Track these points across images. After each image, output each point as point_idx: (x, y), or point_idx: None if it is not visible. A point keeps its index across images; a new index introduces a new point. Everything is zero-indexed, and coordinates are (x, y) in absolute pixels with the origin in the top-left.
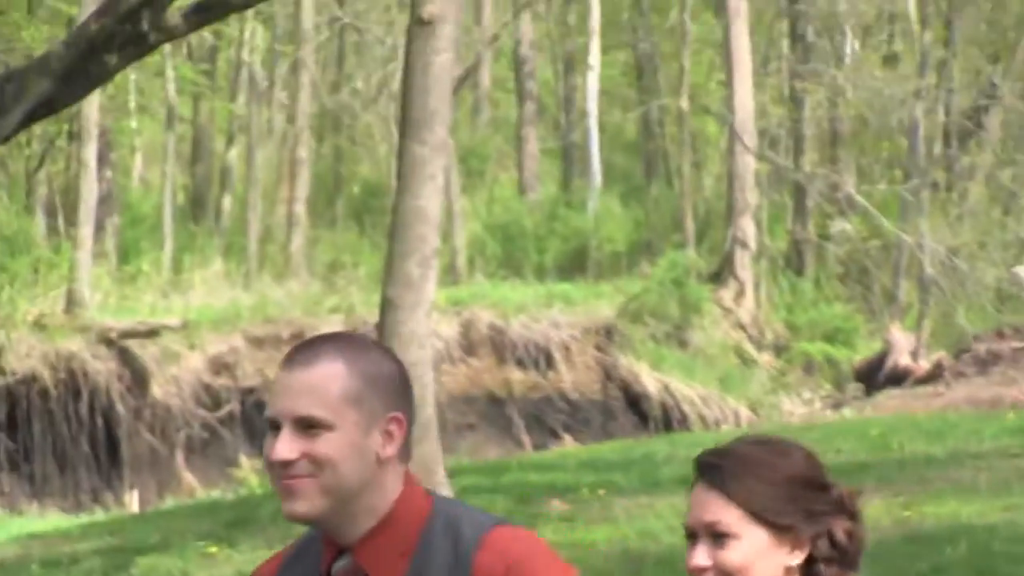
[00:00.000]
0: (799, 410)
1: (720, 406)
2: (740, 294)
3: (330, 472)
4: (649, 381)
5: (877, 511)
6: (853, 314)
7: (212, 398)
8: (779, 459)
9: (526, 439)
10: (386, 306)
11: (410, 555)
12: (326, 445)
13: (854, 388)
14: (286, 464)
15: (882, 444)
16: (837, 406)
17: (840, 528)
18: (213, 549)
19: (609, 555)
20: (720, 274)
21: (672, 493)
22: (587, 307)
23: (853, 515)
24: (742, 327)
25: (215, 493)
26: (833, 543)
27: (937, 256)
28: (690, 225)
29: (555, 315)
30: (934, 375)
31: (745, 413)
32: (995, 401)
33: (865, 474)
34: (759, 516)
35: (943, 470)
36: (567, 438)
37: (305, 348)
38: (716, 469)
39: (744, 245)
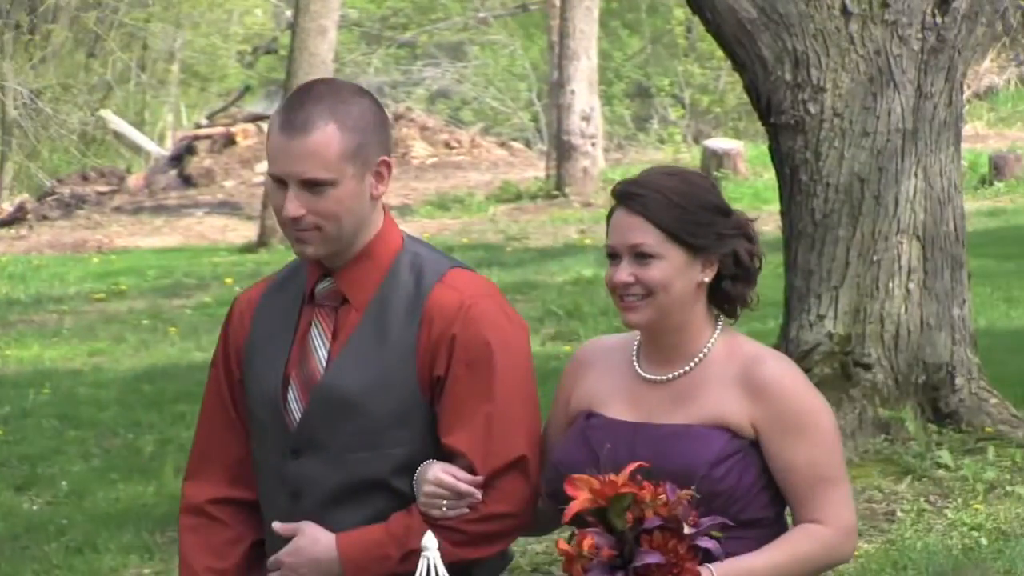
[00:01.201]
0: None
1: None
2: None
3: (334, 222)
4: None
5: None
6: None
7: None
8: (691, 188)
9: None
10: None
11: (379, 283)
12: (330, 200)
13: None
14: (296, 219)
15: None
16: None
17: (743, 248)
18: None
19: None
20: None
21: None
22: None
23: (751, 238)
24: None
25: None
26: (737, 261)
27: (20, 98)
28: None
29: None
30: (17, 218)
31: None
32: (79, 245)
33: None
34: (677, 238)
35: (26, 314)
36: None
37: (299, 110)
38: (638, 197)
39: None
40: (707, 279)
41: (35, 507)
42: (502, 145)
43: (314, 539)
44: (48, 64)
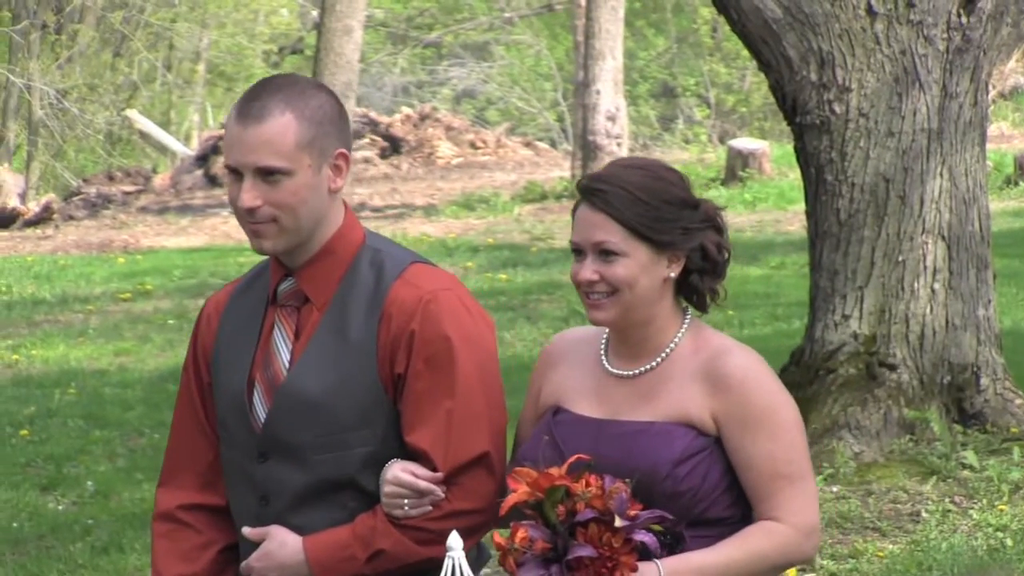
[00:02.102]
0: None
1: None
2: None
3: (290, 213)
4: None
5: None
6: None
7: None
8: (656, 182)
9: None
10: None
11: (340, 280)
12: (286, 191)
13: None
14: (251, 210)
15: None
16: None
17: (710, 241)
18: None
19: None
20: None
21: None
22: None
23: (719, 229)
24: None
25: None
26: (705, 255)
27: (46, 98)
28: None
29: None
30: (43, 218)
31: None
32: (105, 244)
33: None
34: (642, 235)
35: (52, 313)
36: None
37: (254, 102)
38: (601, 193)
39: None
40: (674, 274)
41: (61, 507)
42: (527, 145)
43: (282, 543)
44: (74, 64)
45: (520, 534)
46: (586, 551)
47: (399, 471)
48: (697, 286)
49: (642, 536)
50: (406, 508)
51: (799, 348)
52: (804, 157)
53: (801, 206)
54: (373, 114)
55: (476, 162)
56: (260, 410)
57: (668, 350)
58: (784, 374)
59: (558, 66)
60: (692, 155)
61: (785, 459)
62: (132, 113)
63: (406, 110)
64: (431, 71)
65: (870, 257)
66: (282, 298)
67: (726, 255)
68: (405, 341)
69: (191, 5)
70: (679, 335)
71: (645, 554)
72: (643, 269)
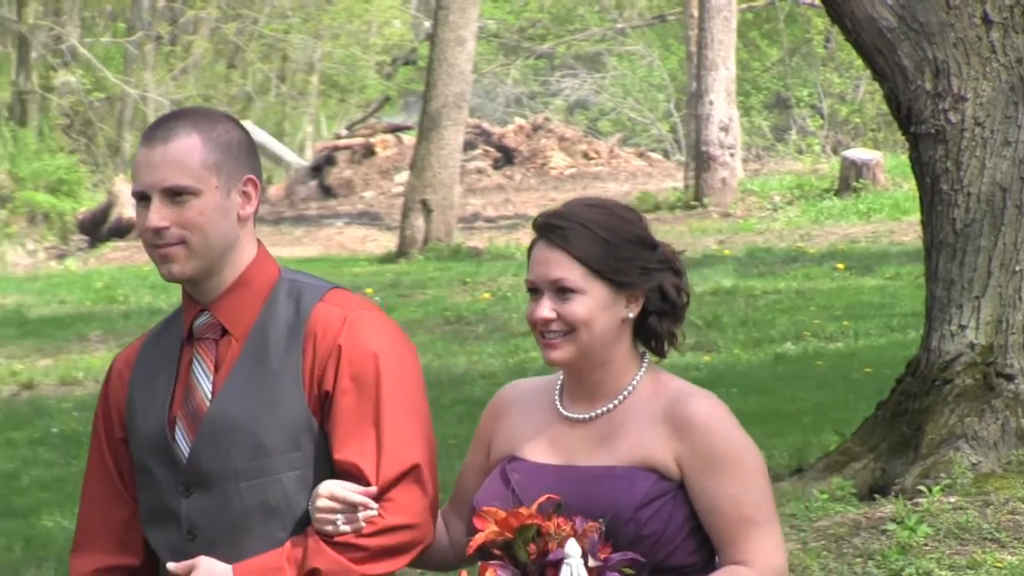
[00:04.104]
0: (23, 261)
1: None
2: None
3: (199, 234)
4: None
5: (102, 361)
6: (77, 166)
7: None
8: (615, 221)
9: None
10: None
11: (259, 310)
12: (193, 211)
13: (79, 240)
14: (158, 231)
15: (107, 295)
16: (61, 257)
17: (669, 283)
18: None
19: None
20: None
21: None
22: None
23: (678, 272)
24: None
25: None
26: (664, 296)
27: (161, 109)
28: None
29: None
30: None
31: None
32: None
33: (91, 324)
34: (600, 273)
35: None
36: None
37: (161, 125)
38: (559, 230)
39: None
40: (632, 315)
41: None
42: (640, 155)
43: (210, 572)
44: (189, 75)
45: (489, 573)
46: None
47: (332, 485)
48: (656, 328)
49: None
50: (339, 524)
51: (915, 358)
52: (919, 167)
53: (916, 216)
54: (486, 125)
55: (589, 172)
56: (183, 444)
57: (625, 393)
58: (900, 385)
59: (671, 76)
60: (805, 166)
61: (751, 502)
62: (246, 124)
63: (519, 121)
64: (543, 82)
65: (987, 267)
66: (199, 332)
67: (685, 298)
68: (332, 358)
69: (305, 16)
70: (637, 378)
71: None
72: (601, 308)
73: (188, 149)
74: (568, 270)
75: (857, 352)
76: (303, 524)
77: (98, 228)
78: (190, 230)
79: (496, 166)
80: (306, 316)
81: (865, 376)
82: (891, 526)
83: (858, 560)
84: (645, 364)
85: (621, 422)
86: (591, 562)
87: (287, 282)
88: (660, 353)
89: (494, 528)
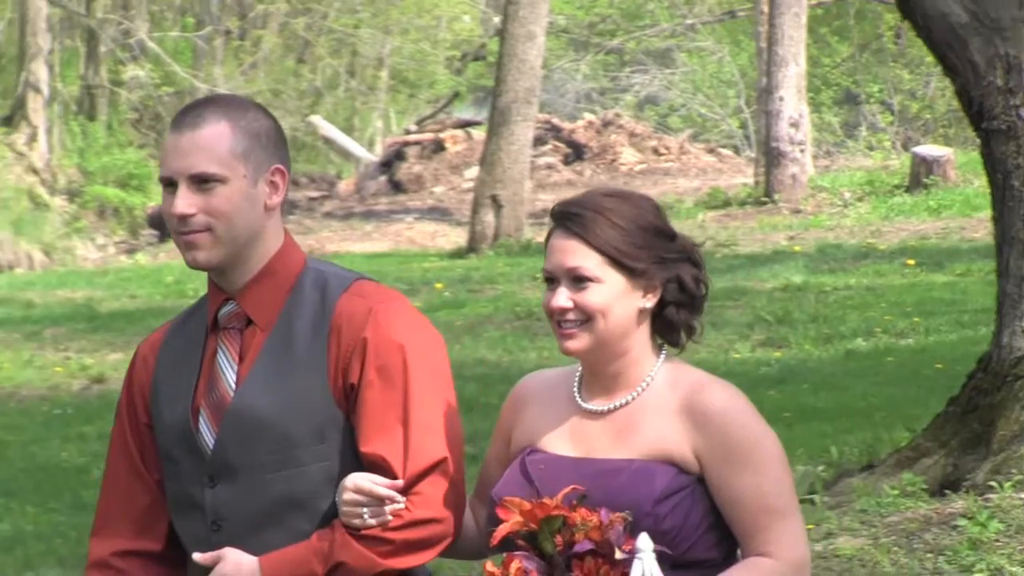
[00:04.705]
0: (93, 255)
1: (13, 249)
2: (33, 138)
3: (224, 222)
4: None
5: None
6: (147, 160)
7: None
8: (632, 209)
9: None
10: None
11: (284, 301)
12: (220, 198)
13: (148, 234)
14: (184, 218)
15: (177, 290)
16: (131, 252)
17: (688, 274)
18: None
19: None
20: (12, 118)
21: None
22: None
23: (697, 263)
24: (35, 171)
25: None
26: (682, 287)
27: None
28: None
29: None
30: None
31: (39, 257)
32: None
33: (160, 319)
34: (616, 261)
35: None
36: None
37: (191, 112)
38: (576, 218)
39: (37, 89)
40: (649, 305)
41: None
42: (711, 151)
43: (237, 564)
44: (258, 69)
45: (515, 565)
46: None
47: (358, 478)
48: (674, 320)
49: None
50: (365, 517)
51: (986, 355)
52: (990, 163)
53: (987, 212)
54: (556, 120)
55: (659, 168)
56: (208, 435)
57: (644, 384)
58: (971, 381)
59: (741, 72)
60: (876, 162)
61: (772, 493)
62: (316, 119)
63: (589, 116)
64: (613, 77)
65: None
66: (224, 322)
67: (704, 289)
68: (358, 350)
69: (374, 11)
70: (655, 369)
71: None
72: (617, 297)
73: (217, 136)
74: (585, 258)
75: (928, 348)
76: (329, 516)
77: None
78: (216, 217)
79: (566, 162)
80: (331, 307)
81: (936, 372)
82: (962, 522)
83: (929, 556)
84: (663, 355)
85: (639, 414)
86: (618, 554)
87: (313, 272)
88: (677, 344)
89: (518, 519)
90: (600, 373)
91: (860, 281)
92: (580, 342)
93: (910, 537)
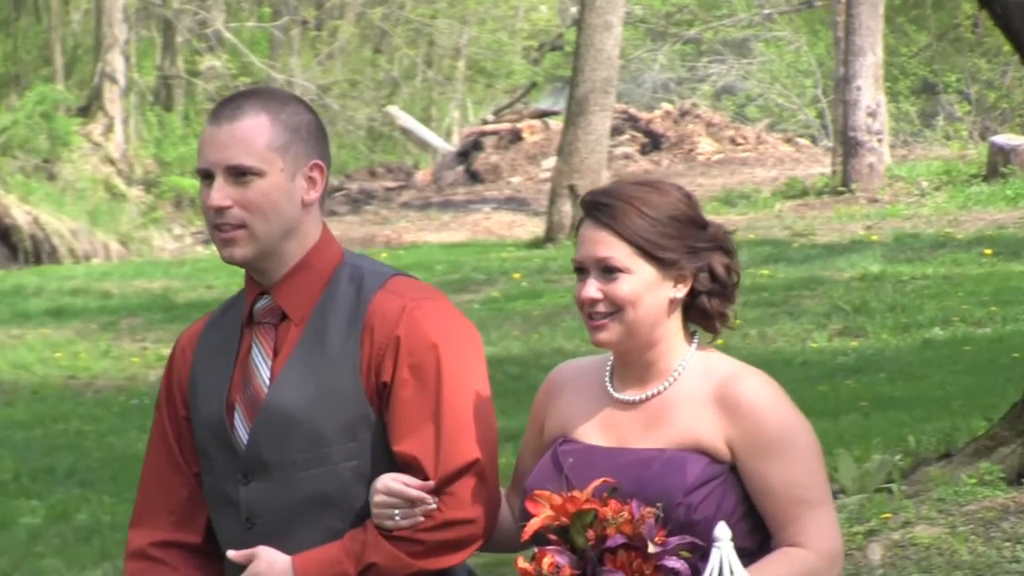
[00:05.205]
0: (170, 245)
1: (90, 240)
2: (109, 129)
3: (260, 217)
4: (19, 214)
5: None
6: None
7: None
8: (661, 198)
9: None
10: None
11: (319, 295)
12: (256, 192)
13: None
14: (220, 210)
15: None
16: (208, 242)
17: (719, 263)
18: None
19: None
20: (89, 108)
21: (42, 325)
22: None
23: (729, 251)
24: (111, 161)
25: None
26: (714, 276)
27: (308, 94)
28: (59, 59)
29: None
30: None
31: (115, 247)
32: (367, 240)
33: None
34: (646, 252)
35: None
36: None
37: (230, 104)
38: (605, 208)
39: (113, 80)
40: (680, 295)
41: None
42: (788, 141)
43: (270, 563)
44: (335, 60)
45: (547, 560)
46: None
47: (389, 479)
48: (706, 308)
49: (673, 563)
50: (397, 519)
51: None
52: None
53: None
54: (633, 110)
55: (736, 158)
56: (242, 431)
57: (676, 374)
58: None
59: (818, 62)
60: (953, 152)
61: (805, 484)
62: (393, 109)
63: (666, 106)
64: (691, 67)
65: None
66: (258, 316)
67: (736, 278)
68: (391, 349)
69: (451, 1)
70: (686, 358)
71: None
72: (647, 287)
73: (255, 129)
74: (614, 249)
75: (1005, 337)
76: (362, 515)
77: None
78: (251, 211)
79: (643, 152)
80: (366, 304)
81: (1013, 361)
82: None
83: (1007, 544)
84: (695, 345)
85: (672, 404)
86: (652, 547)
87: (349, 267)
88: (712, 331)
89: (549, 513)
90: (631, 363)
91: (937, 270)
92: (610, 333)
93: (987, 526)
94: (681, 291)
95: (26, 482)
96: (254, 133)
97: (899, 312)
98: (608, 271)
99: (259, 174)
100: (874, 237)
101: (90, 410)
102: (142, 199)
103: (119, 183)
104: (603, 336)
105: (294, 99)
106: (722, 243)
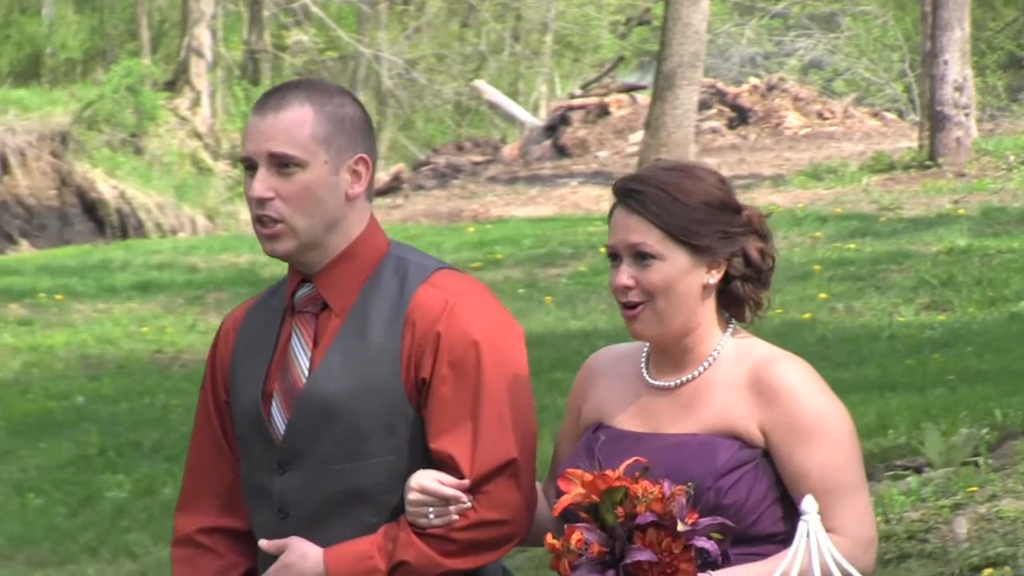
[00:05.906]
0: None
1: (176, 214)
2: (196, 103)
3: (301, 212)
4: (105, 188)
5: None
6: None
7: None
8: (694, 183)
9: None
10: None
11: (361, 286)
12: (298, 184)
13: None
14: (262, 201)
15: None
16: None
17: (753, 247)
18: None
19: (68, 360)
20: (175, 83)
21: (128, 299)
22: (42, 114)
23: (763, 235)
24: (198, 135)
25: None
26: (748, 262)
27: (395, 68)
28: (145, 33)
29: (10, 121)
30: (393, 187)
31: (202, 221)
32: (454, 214)
33: None
34: (678, 238)
35: None
36: (24, 243)
37: (275, 94)
38: (637, 194)
39: (199, 54)
40: (714, 281)
41: None
42: (875, 115)
43: (302, 554)
44: (422, 34)
45: (575, 536)
46: (645, 555)
47: (423, 477)
48: (739, 294)
49: (703, 543)
50: (431, 517)
51: None
52: None
53: None
54: (720, 84)
55: (823, 132)
56: (279, 421)
57: (710, 359)
58: None
59: (905, 36)
60: None
61: (839, 470)
62: (480, 83)
63: (753, 80)
64: (778, 42)
65: None
66: (299, 304)
67: (770, 263)
68: (431, 344)
69: None
70: (721, 343)
71: (703, 560)
72: (680, 274)
73: (299, 119)
74: (646, 235)
75: None
76: (396, 510)
77: None
78: (292, 207)
79: (731, 126)
80: (408, 297)
81: None
82: None
83: None
84: (730, 330)
85: (706, 389)
86: (681, 526)
87: (394, 259)
88: (744, 318)
89: (580, 490)
90: (667, 350)
91: None
92: (644, 325)
93: None
94: (715, 277)
95: (112, 456)
96: (298, 123)
97: (986, 286)
98: (641, 257)
99: (301, 165)
100: (961, 211)
101: (176, 384)
102: (228, 173)
103: (206, 157)
104: (637, 327)
105: (340, 91)
106: (756, 227)
